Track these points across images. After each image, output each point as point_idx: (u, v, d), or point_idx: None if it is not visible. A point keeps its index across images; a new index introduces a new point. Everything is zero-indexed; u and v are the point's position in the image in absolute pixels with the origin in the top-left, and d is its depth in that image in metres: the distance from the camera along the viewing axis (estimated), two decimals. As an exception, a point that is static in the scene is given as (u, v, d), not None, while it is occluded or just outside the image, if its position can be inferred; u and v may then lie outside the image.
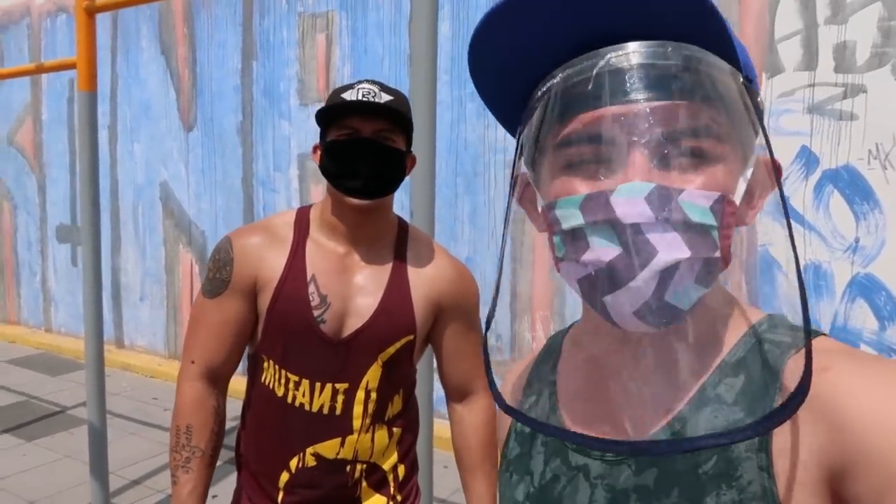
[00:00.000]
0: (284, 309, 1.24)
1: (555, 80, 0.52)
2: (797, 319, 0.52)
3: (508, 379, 0.74)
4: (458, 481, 1.40)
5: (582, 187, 0.51)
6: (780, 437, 0.48)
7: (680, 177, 0.49)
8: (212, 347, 1.28)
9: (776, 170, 0.53)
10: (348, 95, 1.21)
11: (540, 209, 0.57)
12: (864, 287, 3.07)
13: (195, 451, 1.27)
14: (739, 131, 0.51)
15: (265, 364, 1.29)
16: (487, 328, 0.58)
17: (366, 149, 1.20)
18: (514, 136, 0.60)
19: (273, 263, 1.26)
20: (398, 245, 1.34)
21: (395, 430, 1.33)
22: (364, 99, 1.19)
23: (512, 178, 0.58)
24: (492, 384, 0.56)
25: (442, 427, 3.27)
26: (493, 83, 0.57)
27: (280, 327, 1.25)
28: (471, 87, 3.92)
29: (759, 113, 0.51)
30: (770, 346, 0.53)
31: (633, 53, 0.48)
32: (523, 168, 0.58)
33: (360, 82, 1.24)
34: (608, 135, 0.50)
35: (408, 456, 1.38)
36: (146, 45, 5.85)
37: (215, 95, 5.41)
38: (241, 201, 5.33)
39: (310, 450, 1.27)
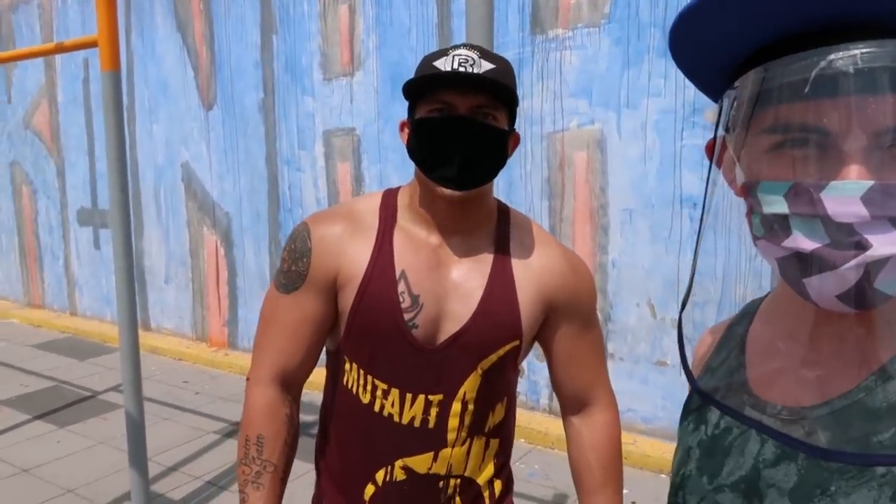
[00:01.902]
0: (371, 311, 1.09)
1: (778, 67, 0.51)
2: None
3: (702, 343, 0.77)
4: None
5: (789, 174, 0.51)
6: None
7: None
8: (286, 349, 1.13)
9: None
10: (441, 64, 1.03)
11: (739, 184, 0.57)
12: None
13: (266, 465, 1.13)
14: None
15: (347, 366, 1.15)
16: (683, 308, 0.63)
17: (461, 129, 1.02)
18: (713, 100, 0.62)
19: (356, 256, 1.10)
20: (499, 234, 1.16)
21: (492, 441, 1.19)
22: (460, 69, 1.01)
23: (713, 141, 0.59)
24: (685, 365, 0.60)
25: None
26: (695, 50, 0.58)
27: (365, 331, 1.10)
28: (505, 55, 3.77)
29: None
30: None
31: (856, 55, 0.48)
32: (724, 131, 0.58)
33: (457, 47, 1.06)
34: (826, 126, 0.49)
35: (503, 470, 1.24)
36: (161, 22, 5.71)
37: (235, 72, 5.27)
38: (266, 181, 5.22)
39: (399, 463, 1.14)
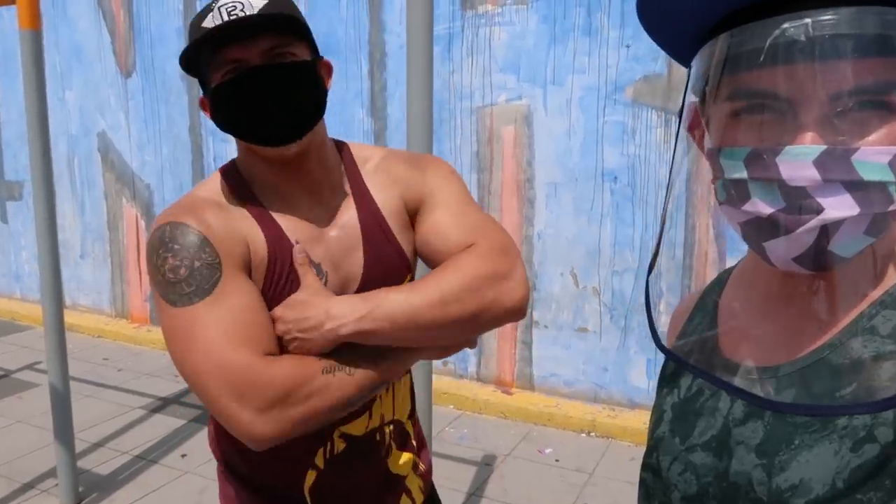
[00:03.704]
0: (286, 289, 1.00)
1: (737, 35, 0.52)
2: None
3: (678, 310, 0.79)
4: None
5: (748, 139, 0.53)
6: None
7: (856, 134, 0.49)
8: (256, 337, 0.93)
9: None
10: (210, 21, 0.91)
11: (706, 149, 0.58)
12: None
13: (336, 368, 0.94)
14: None
15: None
16: (650, 272, 0.63)
17: (263, 80, 0.92)
18: (684, 65, 0.62)
19: (252, 238, 0.99)
20: (350, 171, 1.11)
21: (405, 377, 1.22)
22: (231, 18, 0.90)
23: (681, 106, 0.60)
24: (651, 325, 0.61)
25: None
26: (663, 18, 0.58)
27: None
28: (435, 29, 3.81)
29: None
30: None
31: (807, 23, 0.48)
32: (694, 98, 0.59)
33: (216, 0, 0.93)
34: (782, 92, 0.50)
35: (415, 403, 1.28)
36: (72, -17, 5.41)
37: (155, 39, 5.08)
38: (190, 152, 5.08)
39: (336, 434, 1.10)
